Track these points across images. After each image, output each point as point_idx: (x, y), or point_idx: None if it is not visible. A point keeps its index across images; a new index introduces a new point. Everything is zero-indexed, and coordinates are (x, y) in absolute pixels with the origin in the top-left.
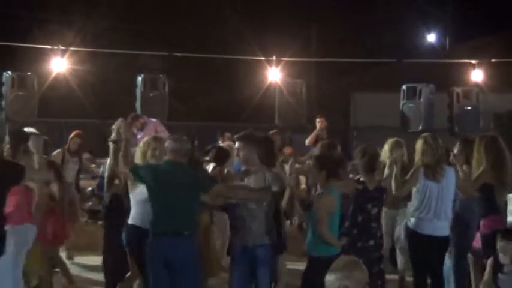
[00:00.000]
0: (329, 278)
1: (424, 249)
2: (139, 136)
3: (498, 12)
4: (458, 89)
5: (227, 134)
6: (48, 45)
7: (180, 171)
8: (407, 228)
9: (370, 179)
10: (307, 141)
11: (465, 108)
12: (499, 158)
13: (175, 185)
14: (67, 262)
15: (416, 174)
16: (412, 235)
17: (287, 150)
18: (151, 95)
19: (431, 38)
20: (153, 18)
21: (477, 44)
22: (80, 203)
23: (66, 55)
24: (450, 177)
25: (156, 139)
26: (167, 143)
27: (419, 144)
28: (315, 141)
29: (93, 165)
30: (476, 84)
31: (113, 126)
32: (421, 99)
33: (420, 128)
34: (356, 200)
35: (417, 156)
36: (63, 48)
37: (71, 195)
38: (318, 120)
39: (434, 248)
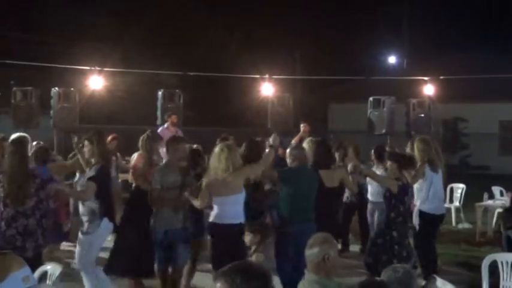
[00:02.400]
0: (313, 251)
1: (432, 225)
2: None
3: (444, 40)
4: (413, 100)
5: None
6: (87, 66)
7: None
8: (421, 213)
9: (403, 175)
10: (293, 142)
11: (419, 115)
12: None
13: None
14: None
15: (423, 168)
16: (424, 215)
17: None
18: (169, 106)
19: (392, 59)
20: (170, 45)
21: (428, 64)
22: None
23: (102, 74)
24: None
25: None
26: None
27: (419, 145)
28: (299, 142)
29: (124, 162)
30: (428, 97)
31: None
32: (384, 108)
33: (383, 131)
34: (399, 193)
35: (420, 155)
36: (99, 68)
37: (117, 187)
38: (302, 125)
39: (437, 223)
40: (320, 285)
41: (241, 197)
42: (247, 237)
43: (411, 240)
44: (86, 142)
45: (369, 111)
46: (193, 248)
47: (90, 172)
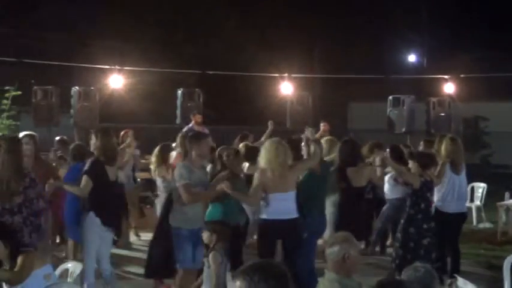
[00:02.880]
0: (333, 249)
1: (451, 225)
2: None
3: (465, 38)
4: (433, 99)
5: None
6: (107, 65)
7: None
8: (437, 211)
9: (425, 174)
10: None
11: (439, 114)
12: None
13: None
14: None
15: (444, 168)
16: (440, 214)
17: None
18: (188, 104)
19: (412, 58)
20: (190, 44)
21: (449, 62)
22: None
23: (121, 73)
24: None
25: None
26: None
27: (447, 143)
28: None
29: (143, 161)
30: (448, 95)
31: None
32: (404, 107)
33: (403, 130)
34: (421, 190)
35: (445, 154)
36: (119, 67)
37: (129, 186)
38: (321, 124)
39: (457, 223)
40: (340, 284)
41: (294, 193)
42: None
43: (429, 239)
44: (92, 137)
45: (388, 110)
46: None
47: (85, 166)
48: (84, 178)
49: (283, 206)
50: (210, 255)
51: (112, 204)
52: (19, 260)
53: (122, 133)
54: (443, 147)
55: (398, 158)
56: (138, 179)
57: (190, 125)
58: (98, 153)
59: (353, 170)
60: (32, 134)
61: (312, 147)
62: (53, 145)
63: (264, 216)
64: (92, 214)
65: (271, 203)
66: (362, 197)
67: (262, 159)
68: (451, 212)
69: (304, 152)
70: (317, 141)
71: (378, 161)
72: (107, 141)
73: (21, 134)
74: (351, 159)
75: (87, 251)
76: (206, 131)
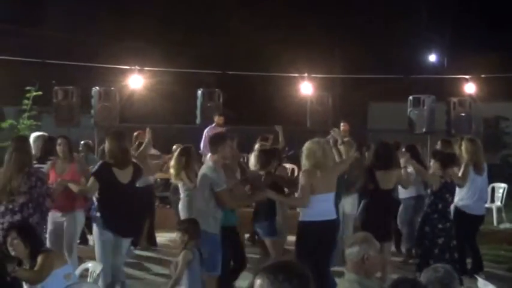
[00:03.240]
0: (352, 249)
1: (471, 225)
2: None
3: (485, 38)
4: (454, 99)
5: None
6: (127, 65)
7: None
8: (457, 211)
9: (446, 173)
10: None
11: (460, 114)
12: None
13: None
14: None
15: (468, 169)
16: (460, 214)
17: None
18: (208, 105)
19: (432, 57)
20: (210, 44)
21: (469, 62)
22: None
23: (141, 73)
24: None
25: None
26: None
27: (467, 145)
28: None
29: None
30: (469, 95)
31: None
32: (425, 107)
33: (424, 130)
34: (440, 191)
35: (468, 155)
36: (139, 67)
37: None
38: (341, 124)
39: (476, 223)
40: (360, 285)
41: (334, 194)
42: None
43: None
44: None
45: (408, 110)
46: None
47: (94, 167)
48: (91, 179)
49: (325, 206)
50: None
51: (122, 208)
52: (39, 259)
53: (135, 134)
54: (463, 149)
55: (416, 158)
56: (158, 179)
57: (213, 125)
58: (108, 156)
59: (382, 173)
60: (63, 135)
61: (343, 148)
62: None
63: (306, 218)
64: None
65: (314, 204)
66: (389, 199)
67: (309, 160)
68: (473, 213)
69: (334, 153)
70: (348, 143)
71: (403, 162)
72: (115, 145)
73: (34, 134)
74: (383, 162)
75: (98, 257)
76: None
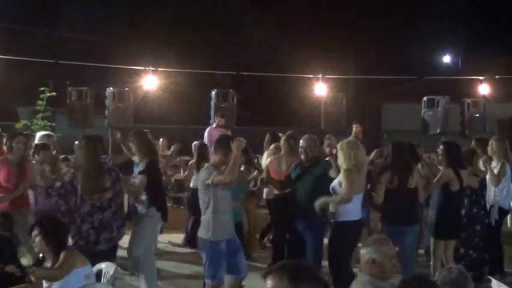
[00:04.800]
0: (362, 251)
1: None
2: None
3: (499, 39)
4: (468, 100)
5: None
6: (141, 66)
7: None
8: (499, 207)
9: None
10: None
11: (474, 115)
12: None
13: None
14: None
15: (505, 167)
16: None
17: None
18: (222, 105)
19: (447, 59)
20: (224, 45)
21: (483, 63)
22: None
23: (156, 74)
24: None
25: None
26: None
27: (497, 144)
28: None
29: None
30: (483, 96)
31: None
32: (439, 108)
33: (438, 131)
34: (479, 188)
35: (499, 154)
36: (153, 68)
37: None
38: (354, 125)
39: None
40: (373, 286)
41: None
42: None
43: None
44: (130, 143)
45: (423, 111)
46: None
47: (140, 167)
48: (141, 177)
49: (358, 206)
50: None
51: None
52: (61, 256)
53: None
54: (494, 148)
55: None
56: (172, 180)
57: (214, 125)
58: (140, 156)
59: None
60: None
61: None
62: None
63: (348, 217)
64: (153, 209)
65: (355, 203)
66: (413, 199)
67: (350, 161)
68: (506, 208)
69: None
70: (334, 157)
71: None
72: (143, 144)
73: (39, 134)
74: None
75: (143, 245)
76: (229, 132)
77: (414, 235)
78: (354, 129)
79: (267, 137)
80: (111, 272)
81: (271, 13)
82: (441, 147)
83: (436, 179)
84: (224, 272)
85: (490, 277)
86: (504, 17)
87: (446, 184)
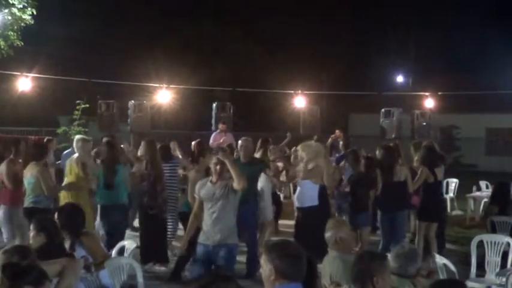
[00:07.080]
0: (327, 234)
1: None
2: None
3: (443, 61)
4: (417, 111)
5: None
6: (156, 83)
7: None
8: None
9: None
10: (327, 143)
11: (422, 123)
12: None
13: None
14: None
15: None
16: None
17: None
18: (221, 115)
19: (400, 78)
20: (223, 67)
21: (429, 82)
22: None
23: (169, 89)
24: None
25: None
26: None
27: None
28: (331, 145)
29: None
30: (429, 108)
31: None
32: (394, 118)
33: (393, 136)
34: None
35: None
36: (166, 85)
37: None
38: (336, 131)
39: None
40: (341, 259)
41: None
42: None
43: None
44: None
45: (381, 120)
46: None
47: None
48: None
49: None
50: None
51: None
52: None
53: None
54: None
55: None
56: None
57: (218, 131)
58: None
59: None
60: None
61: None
62: None
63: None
64: None
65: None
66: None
67: (308, 153)
68: None
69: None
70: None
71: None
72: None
73: (77, 137)
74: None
75: None
76: (229, 135)
77: (403, 219)
78: (336, 133)
79: (259, 141)
80: (132, 248)
81: (261, 42)
82: (422, 150)
83: (417, 177)
84: None
85: (432, 252)
86: (445, 47)
87: (425, 178)
